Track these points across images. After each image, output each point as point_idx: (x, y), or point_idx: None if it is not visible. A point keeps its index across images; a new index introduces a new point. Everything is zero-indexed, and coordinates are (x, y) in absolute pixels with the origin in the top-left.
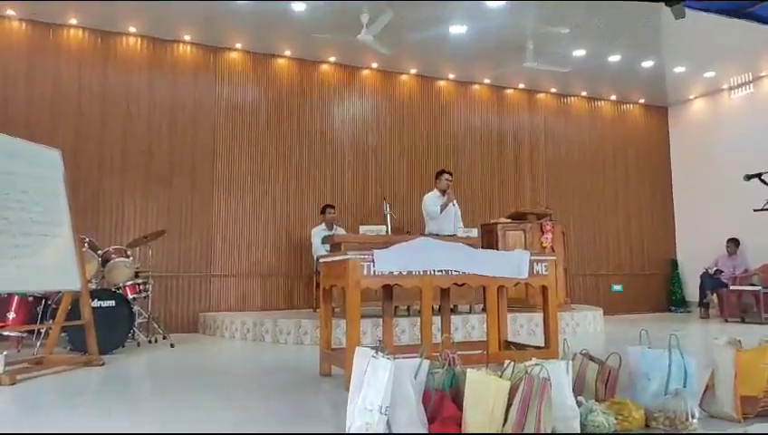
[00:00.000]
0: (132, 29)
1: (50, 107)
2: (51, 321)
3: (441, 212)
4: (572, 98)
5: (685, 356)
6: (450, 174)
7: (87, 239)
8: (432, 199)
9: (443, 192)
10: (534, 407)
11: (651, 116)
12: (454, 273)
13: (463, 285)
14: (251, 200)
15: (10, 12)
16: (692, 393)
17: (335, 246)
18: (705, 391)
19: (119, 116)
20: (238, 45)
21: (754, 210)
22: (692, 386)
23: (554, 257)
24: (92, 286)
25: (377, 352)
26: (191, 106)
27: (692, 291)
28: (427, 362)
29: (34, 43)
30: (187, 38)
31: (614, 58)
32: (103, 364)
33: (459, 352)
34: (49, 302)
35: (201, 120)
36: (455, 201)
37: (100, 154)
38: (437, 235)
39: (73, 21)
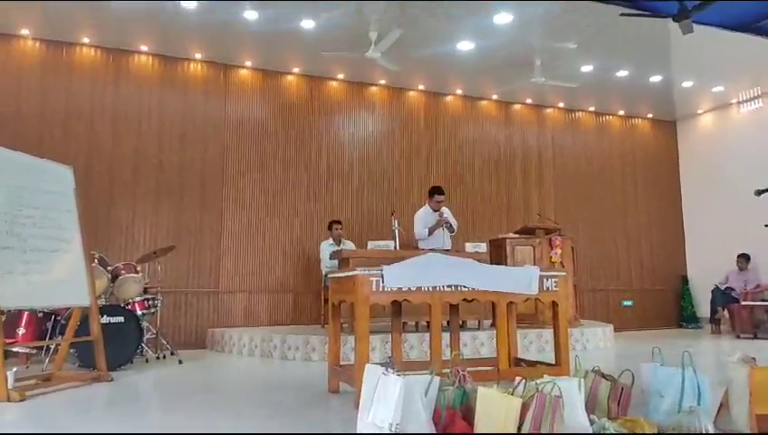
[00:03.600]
0: (144, 47)
1: (62, 124)
2: (60, 337)
3: (429, 235)
4: (580, 113)
5: (698, 373)
6: (442, 194)
7: (97, 255)
8: (422, 220)
9: (435, 210)
10: (546, 425)
11: (660, 131)
12: (463, 288)
13: (472, 300)
14: (259, 215)
15: (24, 31)
16: (706, 411)
17: (343, 261)
18: (719, 409)
19: (130, 133)
20: (248, 63)
21: (766, 225)
22: (706, 404)
23: (564, 273)
24: (102, 302)
25: (387, 369)
26: (201, 123)
27: (703, 307)
28: (437, 379)
29: (48, 62)
30: (197, 56)
31: (622, 73)
32: (112, 380)
33: (469, 369)
34: (58, 318)
35: (211, 137)
36: (446, 210)
37: (111, 170)
38: (434, 250)
39: (86, 39)
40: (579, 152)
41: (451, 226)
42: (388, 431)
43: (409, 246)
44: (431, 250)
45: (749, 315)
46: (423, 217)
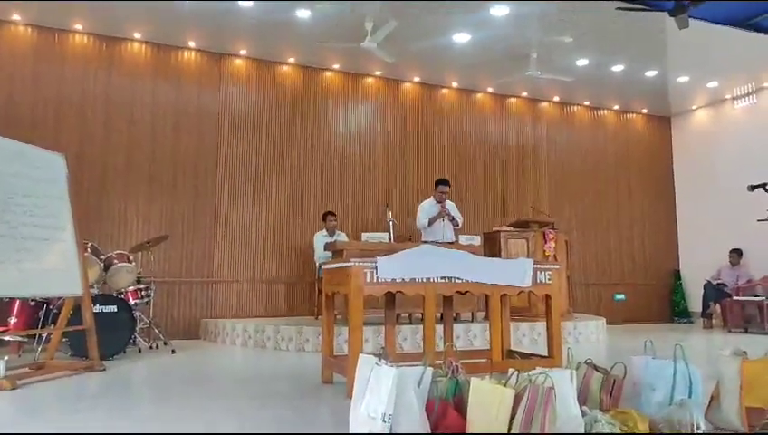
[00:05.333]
0: (137, 35)
1: (54, 112)
2: (52, 326)
3: (429, 226)
4: (575, 107)
5: (689, 366)
6: (447, 185)
7: (89, 244)
8: (425, 210)
9: (438, 202)
10: (539, 416)
11: (654, 126)
12: (457, 280)
13: (466, 292)
14: (253, 206)
15: (16, 17)
16: (697, 404)
17: (337, 252)
18: (710, 402)
19: (123, 121)
20: (243, 52)
21: (758, 220)
22: (697, 397)
23: (558, 266)
24: (94, 291)
25: (380, 360)
26: (195, 112)
27: (695, 301)
28: (430, 370)
29: (40, 49)
30: (191, 44)
31: (617, 68)
32: (104, 370)
33: (462, 361)
34: (50, 307)
35: (205, 126)
36: (452, 205)
37: (103, 159)
38: (434, 243)
39: (79, 26)
40: (573, 146)
41: (454, 219)
42: (380, 422)
43: (403, 239)
44: (431, 242)
45: (740, 310)
46: (426, 208)
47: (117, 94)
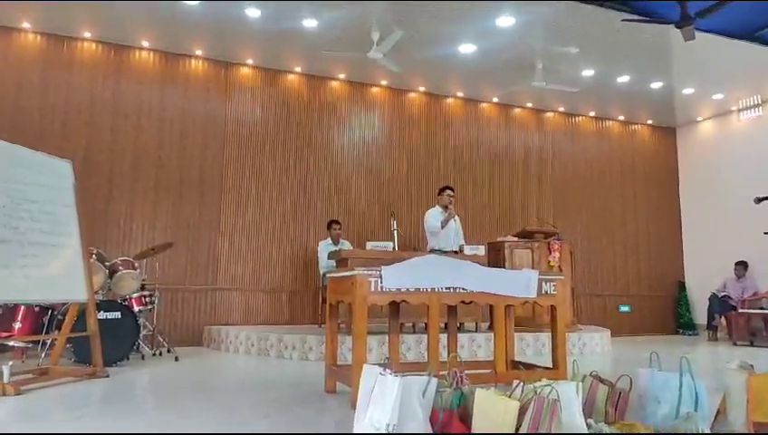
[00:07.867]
0: (145, 43)
1: (62, 118)
2: (56, 332)
3: (443, 228)
4: (580, 117)
5: (695, 379)
6: (452, 190)
7: (95, 251)
8: (434, 215)
9: (445, 208)
10: (544, 428)
11: (659, 137)
12: (461, 290)
13: (470, 302)
14: (258, 214)
15: (25, 24)
16: (703, 417)
17: (341, 261)
18: (716, 416)
19: (130, 128)
20: (250, 61)
21: (764, 233)
22: (703, 410)
23: (563, 277)
24: (99, 298)
25: (384, 370)
26: (201, 120)
27: (700, 313)
28: (435, 381)
29: (49, 56)
30: (199, 53)
31: (623, 79)
32: (107, 376)
33: (466, 372)
34: (55, 312)
35: (211, 134)
36: (456, 217)
37: (110, 166)
38: (441, 251)
39: (87, 34)
40: (578, 157)
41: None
42: (384, 432)
43: (408, 248)
44: (439, 250)
45: (746, 323)
46: (435, 214)
47: (124, 102)
